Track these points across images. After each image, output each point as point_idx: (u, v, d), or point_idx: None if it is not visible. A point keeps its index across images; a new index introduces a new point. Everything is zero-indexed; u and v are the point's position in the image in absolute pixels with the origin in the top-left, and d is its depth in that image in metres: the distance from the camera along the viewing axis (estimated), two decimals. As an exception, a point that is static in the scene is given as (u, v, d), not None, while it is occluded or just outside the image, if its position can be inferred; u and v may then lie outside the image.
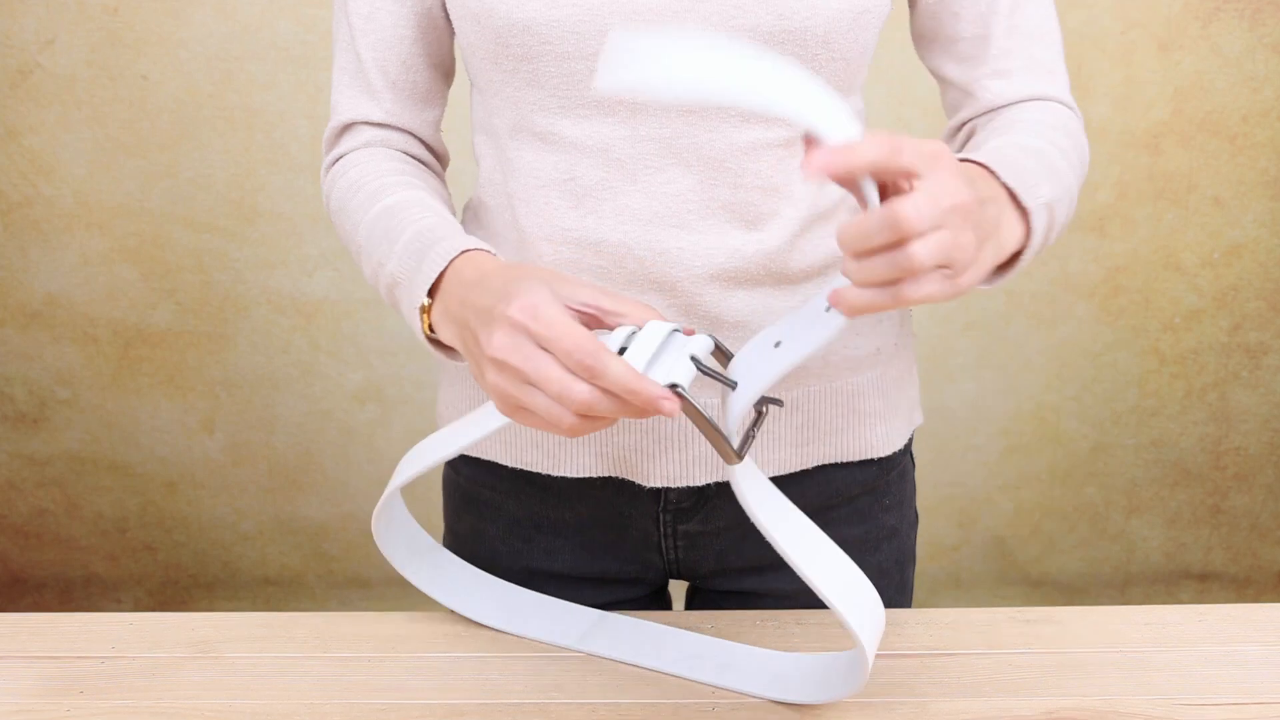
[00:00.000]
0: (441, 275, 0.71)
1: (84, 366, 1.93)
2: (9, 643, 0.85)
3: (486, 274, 0.68)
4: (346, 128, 0.86)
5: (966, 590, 2.07)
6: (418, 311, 0.72)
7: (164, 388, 1.95)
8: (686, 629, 0.84)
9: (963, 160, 0.70)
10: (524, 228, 0.80)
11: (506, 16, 0.74)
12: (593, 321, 0.65)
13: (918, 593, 1.96)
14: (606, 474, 0.85)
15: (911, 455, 0.95)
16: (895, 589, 0.94)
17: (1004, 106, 0.83)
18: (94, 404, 1.96)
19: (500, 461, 0.89)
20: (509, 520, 0.91)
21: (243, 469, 2.00)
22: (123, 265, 1.86)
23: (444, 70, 0.87)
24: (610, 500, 0.87)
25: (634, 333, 0.64)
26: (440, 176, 0.89)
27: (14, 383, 1.95)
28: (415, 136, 0.87)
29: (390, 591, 2.08)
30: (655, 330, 0.63)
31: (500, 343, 0.62)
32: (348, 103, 0.85)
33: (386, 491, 0.79)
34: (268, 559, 2.07)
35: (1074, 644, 0.82)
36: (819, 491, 0.88)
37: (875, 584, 0.92)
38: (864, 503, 0.90)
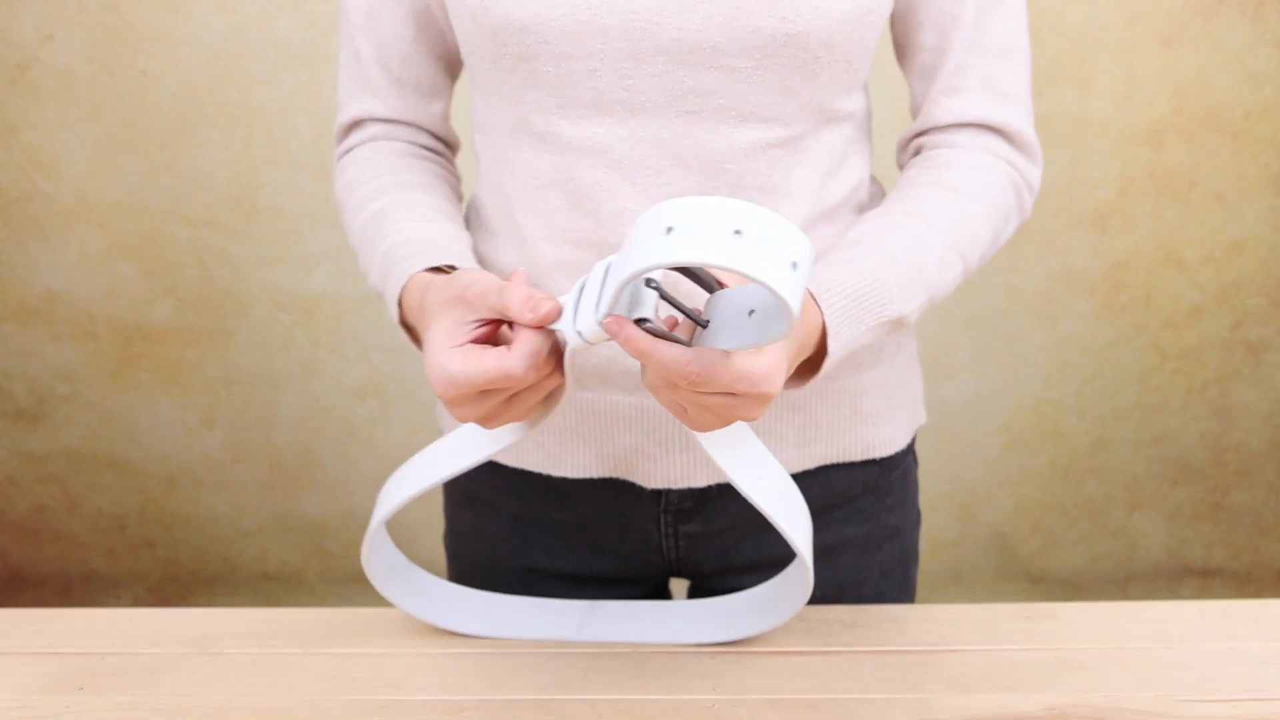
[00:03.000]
0: (401, 306, 0.75)
1: (84, 363, 1.93)
2: (9, 639, 0.85)
3: (414, 311, 0.72)
4: (354, 124, 0.87)
5: (967, 586, 2.07)
6: (400, 326, 0.76)
7: (164, 384, 1.94)
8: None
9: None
10: (523, 228, 0.80)
11: (504, 15, 0.73)
12: (494, 329, 0.66)
13: (918, 589, 1.96)
14: (607, 475, 0.85)
15: (914, 454, 0.95)
16: (898, 588, 0.94)
17: (950, 126, 0.81)
18: (94, 400, 1.96)
19: (502, 461, 0.88)
20: (510, 519, 0.91)
21: (243, 465, 2.00)
22: (122, 262, 1.86)
23: (447, 63, 0.87)
24: (611, 501, 0.87)
25: (583, 284, 0.63)
26: (446, 164, 0.90)
27: (13, 379, 1.95)
28: (422, 129, 0.87)
29: (391, 588, 2.08)
30: (596, 271, 0.62)
31: (447, 410, 0.66)
32: (352, 100, 0.86)
33: (372, 526, 0.78)
34: (268, 555, 2.07)
35: (1075, 640, 0.82)
36: (821, 491, 0.87)
37: (878, 583, 0.93)
38: (866, 502, 0.90)
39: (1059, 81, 1.71)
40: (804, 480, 0.87)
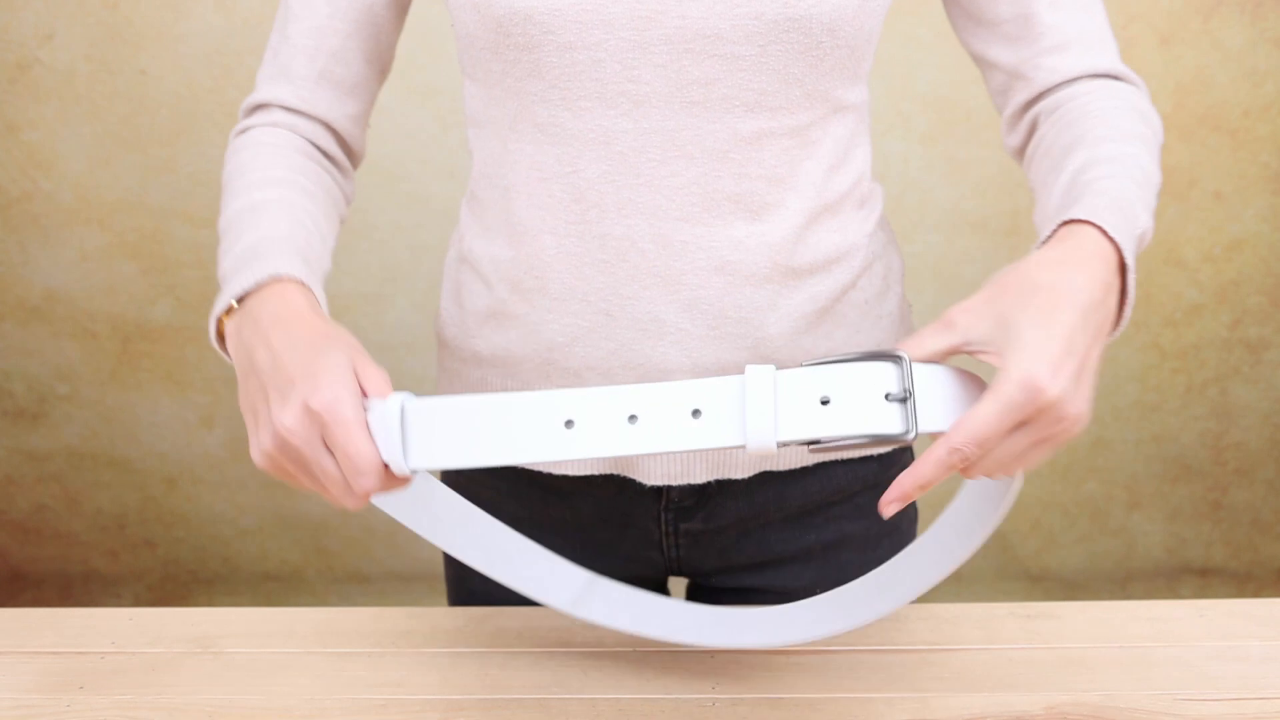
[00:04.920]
0: (251, 293, 0.69)
1: (83, 362, 1.93)
2: (9, 638, 0.85)
3: (292, 321, 0.66)
4: (259, 107, 0.85)
5: (967, 585, 2.07)
6: (218, 316, 0.70)
7: (164, 383, 1.94)
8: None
9: (1073, 222, 0.64)
10: (524, 221, 0.80)
11: (507, 5, 0.73)
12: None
13: (918, 588, 1.96)
14: (607, 472, 0.85)
15: (912, 451, 0.95)
16: (896, 584, 0.94)
17: (1061, 85, 0.79)
18: (93, 399, 1.95)
19: (500, 458, 0.88)
20: (510, 519, 0.91)
21: (242, 464, 1.99)
22: (122, 260, 1.86)
23: (378, 66, 0.86)
24: (611, 499, 0.87)
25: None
26: (339, 173, 0.86)
27: (13, 378, 1.95)
28: (329, 128, 0.85)
29: (390, 587, 2.08)
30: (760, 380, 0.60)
31: (291, 425, 0.61)
32: (266, 83, 0.84)
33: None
34: (268, 554, 2.07)
35: (1074, 639, 0.82)
36: (820, 487, 0.88)
37: (877, 579, 0.93)
38: (865, 499, 0.90)
39: (1059, 80, 1.71)
40: (804, 476, 0.87)
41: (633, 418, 0.60)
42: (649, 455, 0.82)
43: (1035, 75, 0.80)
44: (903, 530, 0.94)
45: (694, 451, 0.83)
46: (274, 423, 0.62)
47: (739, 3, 0.72)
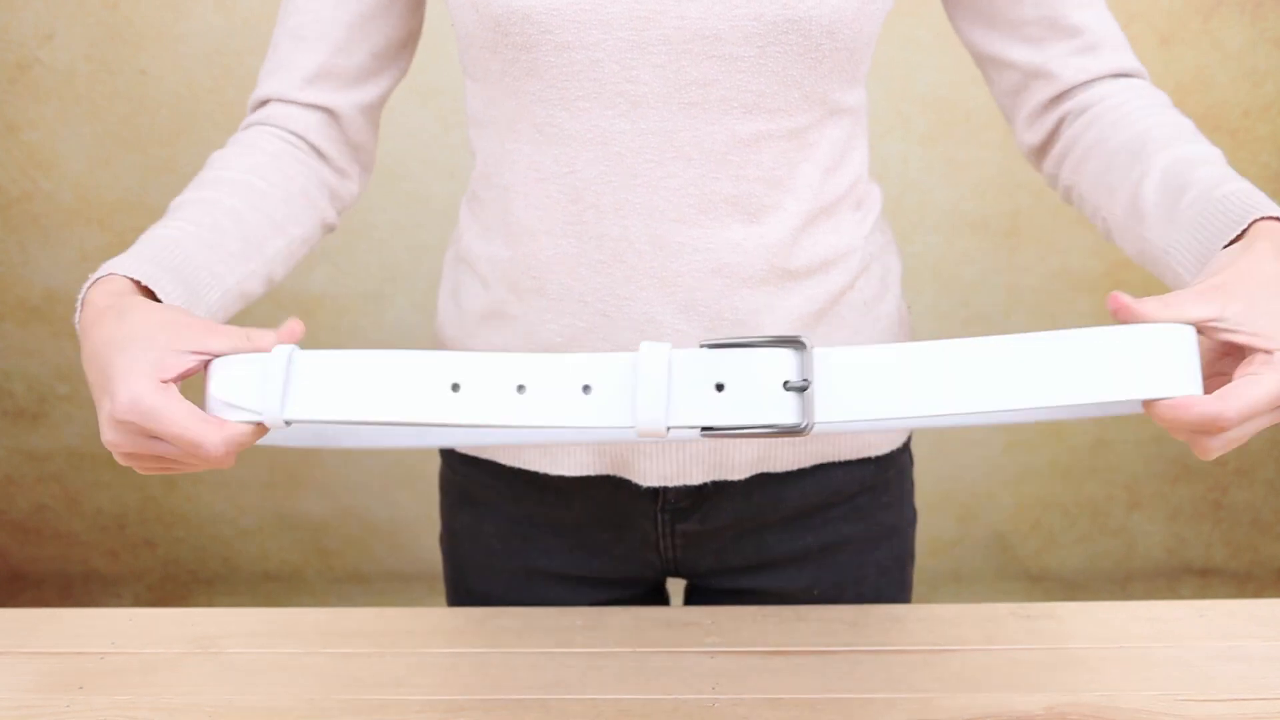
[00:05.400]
0: (89, 293, 0.69)
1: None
2: (9, 638, 0.85)
3: (97, 324, 0.65)
4: (260, 103, 0.84)
5: (967, 586, 2.07)
6: (78, 306, 0.70)
7: (164, 383, 1.94)
8: (685, 624, 0.84)
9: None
10: (522, 220, 0.80)
11: (505, 4, 0.73)
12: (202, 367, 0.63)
13: (918, 588, 1.96)
14: (604, 473, 0.85)
15: (910, 453, 0.95)
16: (895, 586, 0.94)
17: (1087, 84, 0.81)
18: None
19: (498, 460, 0.88)
20: (506, 519, 0.91)
21: (242, 464, 1.99)
22: (122, 261, 1.86)
23: (391, 53, 0.85)
24: (608, 499, 0.87)
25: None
26: (331, 171, 0.84)
27: (13, 378, 1.95)
28: (331, 120, 0.83)
29: (390, 587, 2.08)
30: (654, 355, 0.57)
31: (111, 439, 0.62)
32: (266, 77, 0.83)
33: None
34: (267, 554, 2.07)
35: (1075, 639, 0.82)
36: (818, 489, 0.87)
37: (875, 581, 0.93)
38: (863, 500, 0.90)
39: (1059, 80, 1.71)
40: (801, 478, 0.87)
41: (521, 387, 0.58)
42: (646, 457, 0.83)
43: (1062, 73, 0.80)
44: (900, 532, 0.94)
45: (692, 450, 0.84)
46: (102, 430, 0.63)
47: (738, 4, 0.71)
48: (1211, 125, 1.76)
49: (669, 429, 0.57)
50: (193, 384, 0.63)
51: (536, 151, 0.78)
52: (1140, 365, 0.56)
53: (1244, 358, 0.59)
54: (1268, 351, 0.58)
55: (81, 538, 2.07)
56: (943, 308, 1.88)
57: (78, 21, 1.72)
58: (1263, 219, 0.65)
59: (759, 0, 0.71)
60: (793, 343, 0.57)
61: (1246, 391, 0.57)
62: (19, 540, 2.08)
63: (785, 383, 0.57)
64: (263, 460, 1.99)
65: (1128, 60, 0.81)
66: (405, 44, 0.86)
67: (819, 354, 0.57)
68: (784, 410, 0.57)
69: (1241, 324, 0.59)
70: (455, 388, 0.58)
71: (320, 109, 0.83)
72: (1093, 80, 0.81)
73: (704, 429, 0.57)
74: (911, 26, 1.68)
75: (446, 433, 0.74)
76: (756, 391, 0.57)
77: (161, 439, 0.61)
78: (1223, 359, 0.62)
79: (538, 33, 0.73)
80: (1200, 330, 0.59)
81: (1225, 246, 0.66)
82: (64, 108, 1.77)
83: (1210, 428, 0.57)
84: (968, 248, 1.84)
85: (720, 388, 0.57)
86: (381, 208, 1.81)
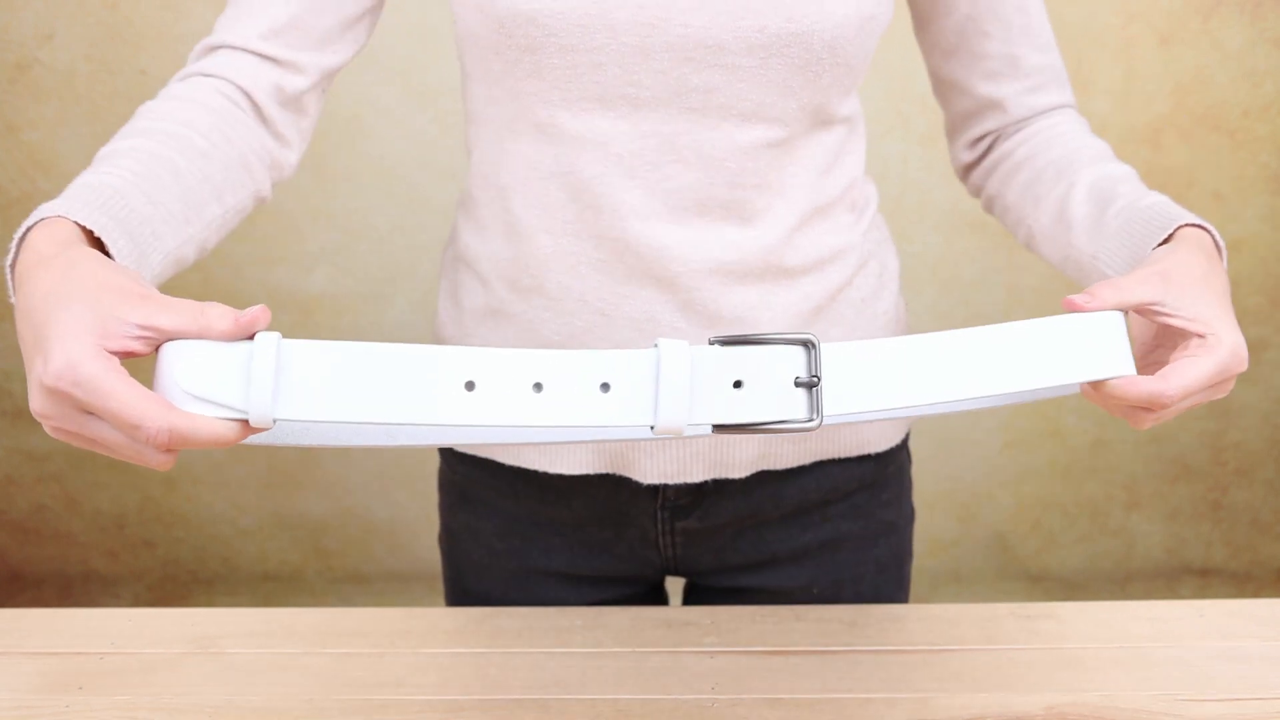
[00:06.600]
0: (27, 234, 0.61)
1: (83, 362, 1.93)
2: (8, 639, 0.85)
3: (49, 261, 0.57)
4: (210, 50, 0.78)
5: (966, 586, 2.07)
6: (13, 249, 0.61)
7: (163, 383, 1.94)
8: (684, 624, 0.84)
9: (1191, 226, 0.72)
10: (520, 219, 0.80)
11: (510, 6, 0.73)
12: (153, 340, 0.54)
13: (918, 588, 1.96)
14: (604, 471, 0.85)
15: (909, 451, 0.95)
16: (894, 584, 0.94)
17: (1031, 117, 0.86)
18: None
19: (497, 459, 0.88)
20: (506, 518, 0.91)
21: (242, 465, 1.99)
22: (122, 261, 1.86)
23: (355, 19, 0.79)
24: (608, 497, 0.87)
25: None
26: (271, 137, 0.78)
27: (13, 378, 1.95)
28: (291, 75, 0.77)
29: (390, 587, 2.08)
30: (677, 354, 0.56)
31: (39, 409, 0.54)
32: (229, 24, 0.77)
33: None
34: (267, 555, 2.07)
35: (1074, 639, 0.82)
36: (816, 486, 0.88)
37: (874, 579, 0.93)
38: (862, 498, 0.90)
39: (1058, 80, 1.71)
40: (801, 475, 0.87)
41: (538, 385, 0.55)
42: (646, 455, 0.83)
43: (1014, 110, 0.86)
44: (899, 529, 0.94)
45: (691, 448, 0.84)
46: (31, 400, 0.55)
47: (742, 15, 0.72)
48: (1211, 125, 1.76)
49: (689, 426, 0.56)
50: (141, 369, 0.54)
51: (536, 151, 0.78)
52: (1082, 350, 0.61)
53: (1175, 346, 0.65)
54: (1202, 336, 0.64)
55: (81, 538, 2.07)
56: (942, 307, 1.88)
57: (78, 21, 1.72)
58: (1186, 225, 0.71)
59: (763, 12, 0.72)
60: (804, 339, 0.58)
61: (1185, 371, 0.62)
62: (18, 540, 2.08)
63: (796, 379, 0.57)
64: (262, 460, 1.99)
65: (1065, 95, 0.88)
66: (371, 11, 0.81)
67: (827, 350, 0.58)
68: (795, 406, 0.57)
69: (1180, 309, 0.64)
70: (470, 386, 0.54)
71: (277, 63, 0.77)
72: (1036, 115, 0.87)
73: (715, 426, 0.57)
74: (912, 27, 1.68)
75: (455, 432, 0.70)
76: (773, 389, 0.57)
77: (96, 414, 0.53)
78: (1157, 349, 0.69)
79: (542, 35, 0.73)
80: (1141, 313, 0.65)
81: (1154, 250, 0.71)
82: (64, 108, 1.77)
83: (1153, 405, 0.62)
84: (967, 247, 1.84)
85: (738, 385, 0.57)
86: (381, 208, 1.81)
